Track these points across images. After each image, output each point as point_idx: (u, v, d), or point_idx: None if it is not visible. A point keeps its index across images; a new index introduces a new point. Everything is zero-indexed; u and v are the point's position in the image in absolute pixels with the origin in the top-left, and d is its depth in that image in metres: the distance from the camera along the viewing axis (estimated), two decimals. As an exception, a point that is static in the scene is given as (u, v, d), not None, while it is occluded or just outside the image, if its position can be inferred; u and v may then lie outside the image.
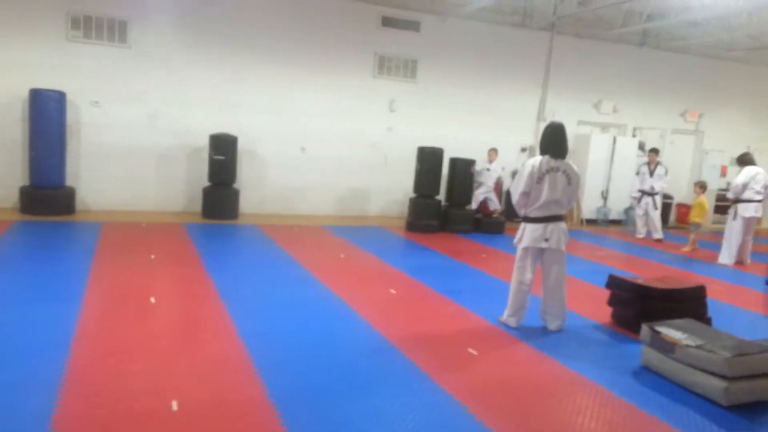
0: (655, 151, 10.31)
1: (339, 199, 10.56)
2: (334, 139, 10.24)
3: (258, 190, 9.91)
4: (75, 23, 8.51)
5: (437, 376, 3.68)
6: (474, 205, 9.96)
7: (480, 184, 9.98)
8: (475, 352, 4.17)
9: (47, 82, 8.29)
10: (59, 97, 8.24)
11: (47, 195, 8.23)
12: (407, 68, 10.56)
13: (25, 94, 8.20)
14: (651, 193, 10.12)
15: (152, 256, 6.29)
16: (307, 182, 10.23)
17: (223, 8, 9.27)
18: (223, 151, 8.97)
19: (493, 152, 9.96)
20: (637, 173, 10.45)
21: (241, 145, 9.28)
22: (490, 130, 11.04)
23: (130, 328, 4.13)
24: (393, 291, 5.71)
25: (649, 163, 10.22)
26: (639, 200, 10.31)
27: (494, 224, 9.84)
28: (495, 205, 10.03)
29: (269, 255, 7.02)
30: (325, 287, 5.62)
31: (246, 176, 9.72)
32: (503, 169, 10.34)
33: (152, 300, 4.77)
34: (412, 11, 10.36)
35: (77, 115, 8.70)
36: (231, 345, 3.96)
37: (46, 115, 8.14)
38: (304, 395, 3.30)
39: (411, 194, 9.86)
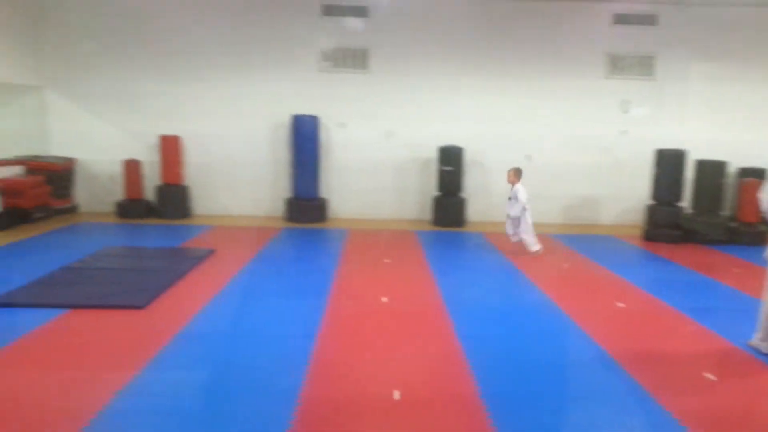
0: None
1: (566, 207, 10.23)
2: (560, 145, 9.99)
3: (484, 198, 10.14)
4: (326, 55, 9.79)
5: (663, 398, 3.43)
6: None
7: None
8: (712, 378, 3.76)
9: (305, 108, 9.69)
10: (314, 121, 9.56)
11: (305, 205, 9.60)
12: (642, 65, 9.78)
13: (289, 119, 9.70)
14: None
15: (386, 260, 6.93)
16: (532, 190, 10.07)
17: (441, 24, 9.74)
18: (451, 162, 9.42)
19: None
20: None
21: (467, 156, 9.64)
22: (744, 128, 9.60)
23: (364, 323, 4.67)
24: (621, 305, 5.40)
25: None
26: None
27: (756, 234, 8.52)
28: None
29: (492, 262, 7.18)
30: (545, 296, 5.57)
31: (472, 185, 10.03)
32: None
33: (384, 299, 5.30)
34: (647, 4, 9.58)
35: (328, 135, 9.98)
36: (449, 345, 4.22)
37: (305, 137, 9.52)
38: (515, 399, 3.39)
39: (647, 201, 9.10)
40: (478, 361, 3.90)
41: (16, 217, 8.34)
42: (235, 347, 4.08)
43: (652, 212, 8.84)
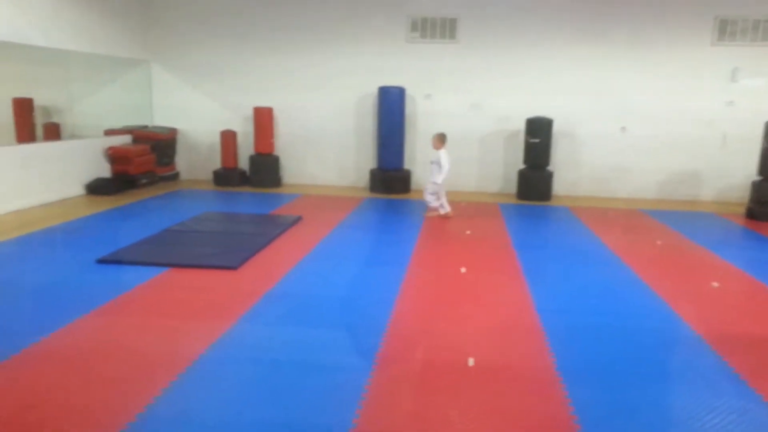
0: None
1: (663, 182, 9.70)
2: (658, 117, 9.44)
3: (572, 171, 9.83)
4: (414, 25, 9.75)
5: (756, 382, 3.26)
6: None
7: None
8: (814, 365, 3.52)
9: (391, 80, 9.74)
10: (400, 93, 9.60)
11: (389, 176, 9.73)
12: (757, 30, 8.98)
13: (375, 91, 9.79)
14: None
15: (468, 232, 6.93)
16: (626, 164, 9.69)
17: (543, -8, 9.40)
18: (539, 134, 9.18)
19: None
20: None
21: (556, 127, 9.35)
22: None
23: (441, 292, 4.74)
24: (715, 284, 5.12)
25: None
26: None
27: None
28: None
29: (577, 236, 6.99)
30: (632, 273, 5.38)
31: (560, 158, 9.74)
32: None
33: (463, 270, 5.33)
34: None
35: (414, 106, 9.99)
36: (527, 317, 4.20)
37: (390, 109, 9.59)
38: (592, 375, 3.34)
39: (754, 177, 8.45)
40: (556, 335, 3.87)
41: (124, 182, 9.08)
42: (318, 307, 4.29)
43: (759, 188, 8.20)
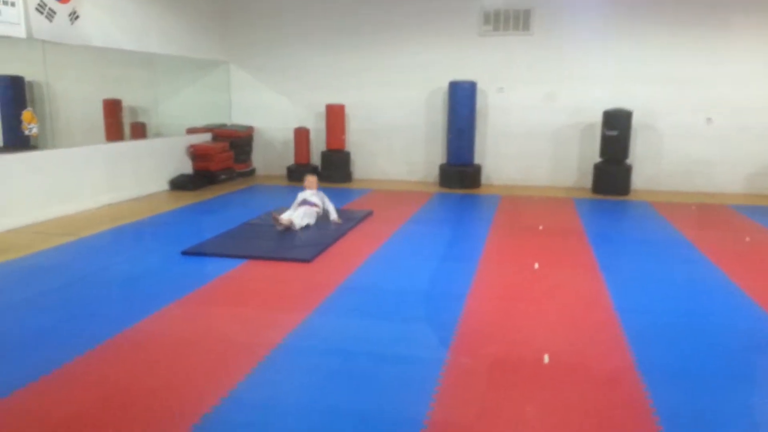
0: None
1: (753, 175, 9.11)
2: (746, 106, 8.87)
3: (653, 165, 9.40)
4: (486, 18, 9.62)
5: None
6: None
7: None
8: None
9: (463, 74, 9.65)
10: (471, 87, 9.51)
11: (459, 171, 9.67)
12: None
13: (445, 85, 9.74)
14: None
15: (540, 227, 6.79)
16: (711, 156, 9.17)
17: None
18: (617, 126, 8.84)
19: None
20: None
21: (636, 119, 8.97)
22: None
23: (514, 287, 4.68)
24: (813, 285, 4.77)
25: None
26: None
27: None
28: None
29: (658, 232, 6.69)
30: (718, 271, 5.10)
31: (640, 151, 9.34)
32: None
33: (536, 266, 5.23)
34: None
35: (485, 100, 9.86)
36: (605, 315, 4.08)
37: (461, 103, 9.52)
38: (675, 376, 3.21)
39: None
40: (636, 333, 3.74)
41: (205, 178, 9.50)
42: (390, 300, 4.34)
43: None
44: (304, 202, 6.60)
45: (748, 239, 6.34)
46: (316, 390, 3.01)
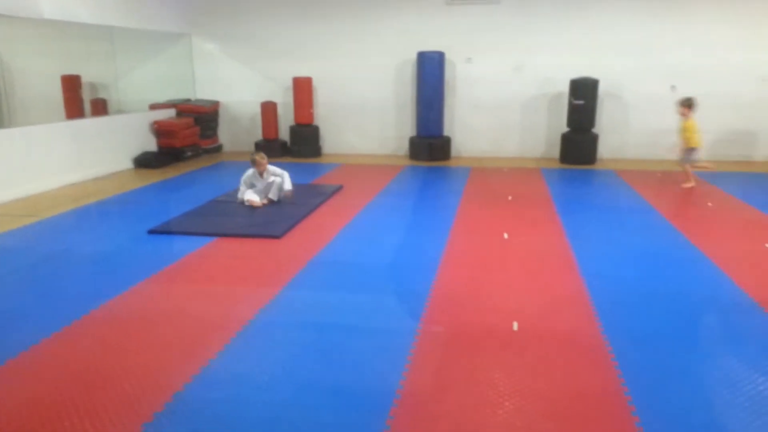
0: None
1: (715, 142, 9.30)
2: (710, 75, 9.01)
3: (619, 134, 9.53)
4: (452, -12, 9.53)
5: (811, 346, 3.16)
6: None
7: None
8: None
9: (431, 44, 9.57)
10: (439, 57, 9.44)
11: (429, 144, 9.66)
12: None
13: (414, 56, 9.65)
14: None
15: (510, 197, 6.85)
16: (674, 124, 9.30)
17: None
18: (583, 96, 8.91)
19: None
20: None
21: (602, 88, 9.06)
22: None
23: (484, 257, 4.73)
24: (771, 247, 4.94)
25: None
26: None
27: None
28: None
29: (623, 200, 6.83)
30: (681, 236, 5.24)
31: (606, 120, 9.45)
32: None
33: (506, 236, 5.30)
34: None
35: (453, 71, 9.82)
36: (571, 282, 4.16)
37: (429, 74, 9.45)
38: (640, 340, 3.30)
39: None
40: (602, 299, 3.83)
41: (170, 155, 9.30)
42: (362, 273, 4.35)
43: (820, 147, 7.80)
44: (253, 186, 6.36)
45: (710, 204, 6.51)
46: (288, 364, 3.02)
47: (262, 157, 6.35)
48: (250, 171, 6.40)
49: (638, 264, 4.57)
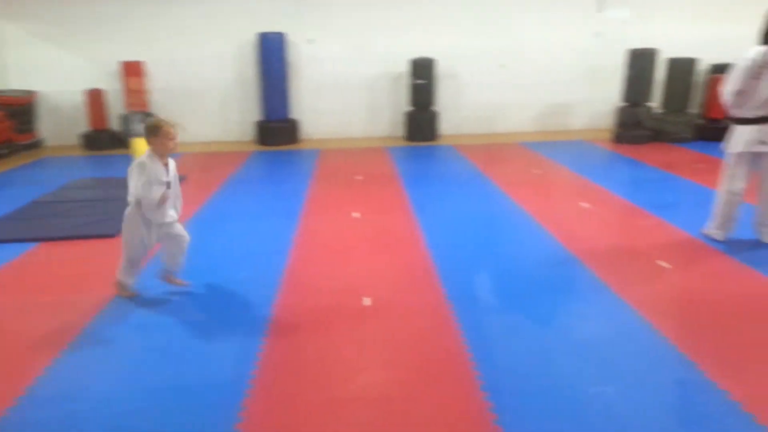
0: None
1: (540, 114, 10.24)
2: (533, 52, 9.84)
3: (456, 111, 10.08)
4: (286, -32, 9.33)
5: (618, 288, 3.62)
6: None
7: None
8: (667, 266, 3.97)
9: (271, 25, 9.32)
10: (280, 39, 9.25)
11: (275, 128, 9.48)
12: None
13: (254, 37, 9.36)
14: None
15: (358, 177, 6.97)
16: (505, 100, 10.08)
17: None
18: (423, 75, 9.28)
19: None
20: None
21: (439, 68, 9.49)
22: (717, 23, 9.47)
23: (335, 239, 4.77)
24: (586, 205, 5.56)
25: None
26: None
27: (721, 130, 8.62)
28: None
29: (463, 173, 7.26)
30: (513, 202, 5.70)
31: (444, 98, 9.93)
32: None
33: (355, 214, 5.39)
34: None
35: (296, 53, 9.68)
36: (418, 254, 4.35)
37: (271, 56, 9.24)
38: (480, 300, 3.56)
39: (618, 103, 9.13)
40: (445, 267, 4.05)
41: (-20, 154, 8.16)
42: (210, 265, 4.17)
43: (622, 114, 8.90)
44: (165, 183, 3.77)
45: (536, 171, 7.15)
46: (130, 371, 2.81)
47: (171, 127, 3.71)
48: (146, 158, 3.67)
49: (476, 229, 4.92)
